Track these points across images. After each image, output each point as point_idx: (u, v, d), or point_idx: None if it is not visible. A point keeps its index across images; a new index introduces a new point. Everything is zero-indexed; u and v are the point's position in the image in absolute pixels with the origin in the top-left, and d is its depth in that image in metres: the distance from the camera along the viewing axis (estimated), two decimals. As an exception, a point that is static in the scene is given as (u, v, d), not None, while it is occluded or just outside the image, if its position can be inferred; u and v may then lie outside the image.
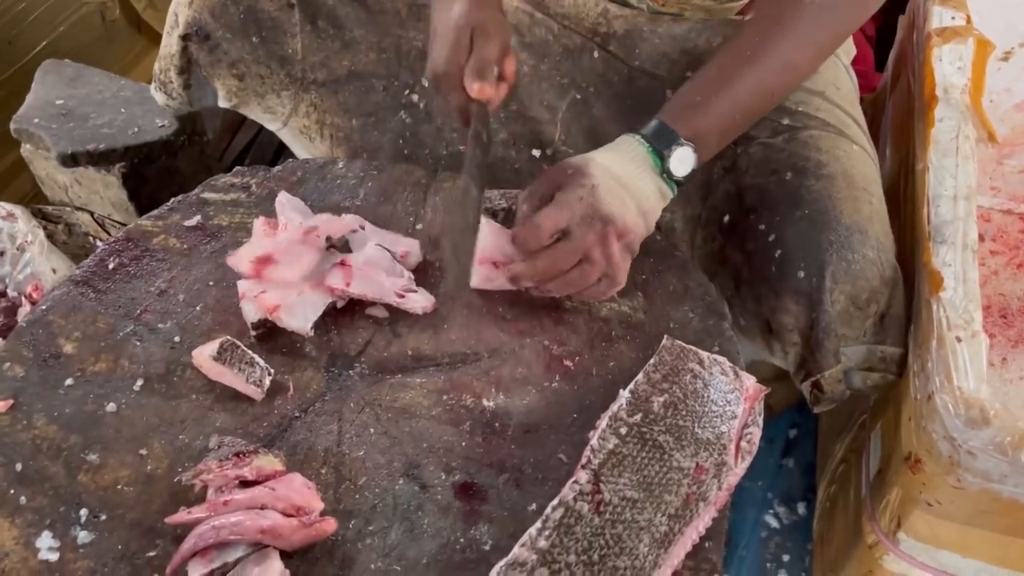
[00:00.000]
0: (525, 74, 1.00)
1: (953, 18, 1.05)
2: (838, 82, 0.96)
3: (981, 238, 1.41)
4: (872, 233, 0.84)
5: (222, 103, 1.07)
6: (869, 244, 0.83)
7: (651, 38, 0.98)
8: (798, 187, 0.87)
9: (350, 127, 1.04)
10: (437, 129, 1.03)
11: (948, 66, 0.99)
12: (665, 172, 0.79)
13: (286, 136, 1.11)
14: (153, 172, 1.20)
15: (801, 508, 1.21)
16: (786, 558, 1.16)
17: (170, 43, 1.04)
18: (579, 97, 1.00)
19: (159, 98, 1.11)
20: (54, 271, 1.20)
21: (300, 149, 1.11)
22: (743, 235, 0.90)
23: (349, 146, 1.05)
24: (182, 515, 0.67)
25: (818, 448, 1.23)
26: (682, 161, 0.79)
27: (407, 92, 1.03)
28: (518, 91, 1.00)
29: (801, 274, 0.84)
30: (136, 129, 1.19)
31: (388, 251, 0.83)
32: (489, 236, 0.82)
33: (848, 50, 1.06)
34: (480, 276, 0.82)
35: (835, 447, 1.08)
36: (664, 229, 0.96)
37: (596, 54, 0.99)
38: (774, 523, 1.19)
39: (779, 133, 0.91)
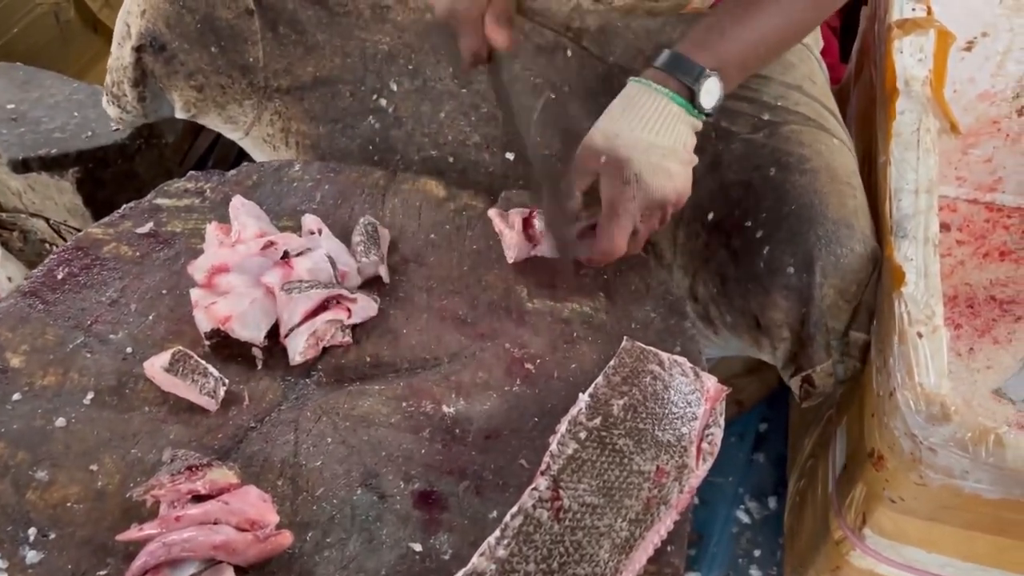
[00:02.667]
0: (482, 77, 0.98)
1: (914, 9, 1.05)
2: (813, 76, 0.96)
3: (947, 228, 1.41)
4: (858, 227, 0.84)
5: (179, 114, 1.04)
6: (856, 238, 0.83)
7: (625, 33, 0.96)
8: (782, 182, 0.87)
9: (317, 134, 1.02)
10: (407, 133, 1.01)
11: (909, 58, 0.99)
12: (696, 107, 0.78)
13: (248, 145, 1.08)
14: (109, 177, 1.18)
15: (772, 502, 1.21)
16: (757, 553, 1.16)
17: (122, 55, 1.01)
18: (554, 97, 0.99)
19: (112, 111, 1.08)
20: (9, 279, 1.17)
21: (263, 157, 1.09)
22: (728, 232, 0.89)
23: (316, 153, 1.03)
24: (133, 532, 0.65)
25: (788, 442, 1.23)
26: (710, 93, 0.78)
27: (375, 97, 1.01)
28: (489, 92, 0.98)
29: (791, 270, 0.83)
30: (90, 133, 1.16)
31: (332, 263, 0.81)
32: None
33: (818, 43, 1.05)
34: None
35: (804, 441, 1.08)
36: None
37: (569, 52, 0.98)
38: (745, 518, 1.19)
39: (760, 128, 0.91)
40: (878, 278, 0.85)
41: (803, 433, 1.11)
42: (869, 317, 0.85)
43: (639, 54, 0.96)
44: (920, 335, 0.74)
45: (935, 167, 0.89)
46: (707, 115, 0.79)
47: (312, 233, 0.85)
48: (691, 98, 0.77)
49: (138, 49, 0.99)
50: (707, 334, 0.96)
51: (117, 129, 1.17)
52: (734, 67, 0.79)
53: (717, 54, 0.78)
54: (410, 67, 0.98)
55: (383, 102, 1.01)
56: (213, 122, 1.05)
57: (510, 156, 1.00)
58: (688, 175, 0.79)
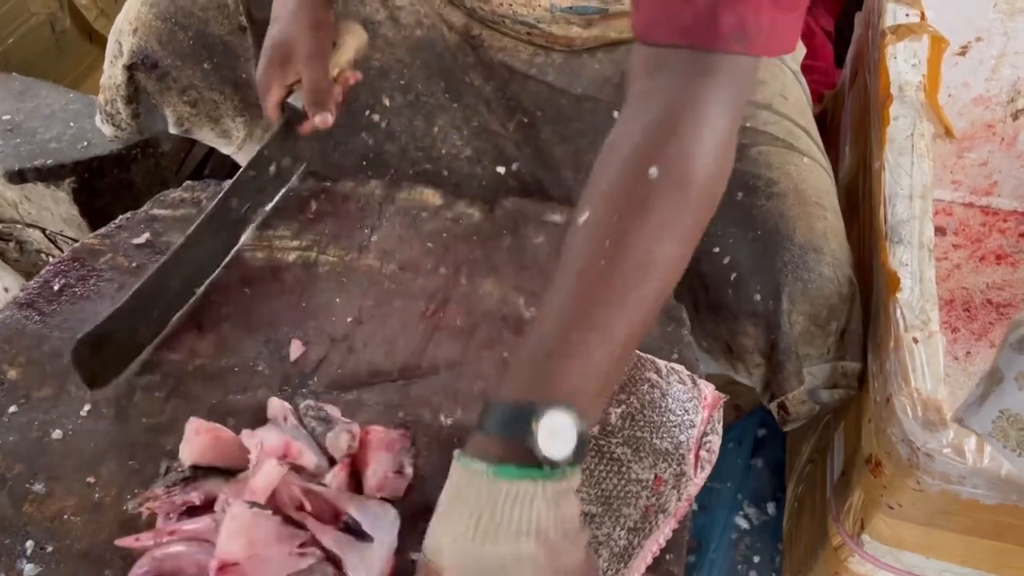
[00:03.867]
0: (482, 91, 0.98)
1: (907, 15, 1.05)
2: (786, 92, 0.95)
3: (943, 232, 1.42)
4: (827, 250, 0.83)
5: (172, 129, 1.04)
6: (825, 261, 0.82)
7: (590, 63, 0.95)
8: (749, 207, 0.86)
9: (310, 149, 1.02)
10: (401, 148, 1.01)
11: (903, 64, 0.99)
12: (546, 465, 0.52)
13: (241, 159, 1.08)
14: (105, 186, 1.18)
15: (771, 508, 1.21)
16: (756, 559, 1.16)
17: (115, 73, 1.01)
18: (526, 120, 0.98)
19: (107, 130, 1.08)
20: (6, 290, 1.17)
21: None
22: (698, 257, 0.88)
23: (309, 169, 1.03)
24: (130, 540, 0.66)
25: (787, 447, 1.23)
26: (556, 435, 0.52)
27: (367, 112, 1.01)
28: (479, 106, 0.98)
29: (757, 297, 0.83)
30: (86, 143, 1.16)
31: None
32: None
33: (796, 55, 1.04)
34: None
35: (802, 447, 1.08)
36: None
37: (537, 83, 0.98)
38: (744, 524, 1.19)
39: None
40: (865, 290, 0.85)
41: (801, 439, 1.11)
42: (860, 345, 0.84)
43: (606, 83, 0.95)
44: (916, 340, 0.74)
45: (929, 172, 0.89)
46: (568, 464, 0.53)
47: (276, 419, 0.73)
48: (529, 457, 0.52)
49: (130, 67, 0.99)
50: None
51: (113, 140, 1.17)
52: (589, 392, 0.55)
53: (552, 382, 0.54)
54: (402, 82, 0.98)
55: (376, 117, 1.01)
56: (206, 137, 1.05)
57: (500, 170, 1.00)
58: (564, 553, 0.53)
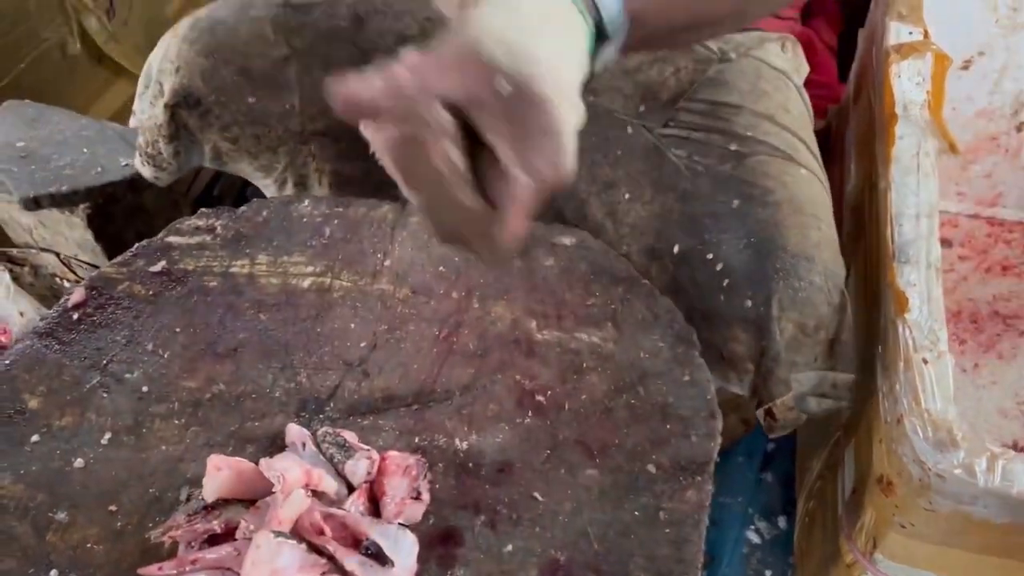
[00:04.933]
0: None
1: (911, 33, 1.06)
2: (788, 105, 0.97)
3: (949, 244, 1.43)
4: (819, 259, 0.85)
5: (208, 164, 1.03)
6: (816, 271, 0.84)
7: (603, 75, 0.97)
8: (745, 215, 0.88)
9: (352, 171, 1.02)
10: None
11: (907, 82, 1.00)
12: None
13: (273, 191, 1.06)
14: (118, 211, 1.19)
15: (782, 522, 1.21)
16: (768, 573, 1.17)
17: (155, 114, 1.00)
18: None
19: (147, 172, 1.06)
20: (21, 314, 1.18)
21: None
22: (692, 266, 0.90)
23: (350, 190, 1.02)
24: (152, 570, 0.67)
25: (796, 461, 1.24)
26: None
27: None
28: None
29: (748, 303, 0.84)
30: (99, 169, 1.17)
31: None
32: None
33: (799, 70, 1.06)
34: None
35: (812, 462, 1.08)
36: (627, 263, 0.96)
37: None
38: (755, 538, 1.20)
39: (727, 159, 0.92)
40: (872, 309, 0.86)
41: (811, 453, 1.11)
42: (851, 356, 0.85)
43: (617, 93, 0.97)
44: (925, 361, 0.75)
45: (935, 191, 0.90)
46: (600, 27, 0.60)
47: (294, 445, 0.75)
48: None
49: (173, 106, 0.99)
50: None
51: (126, 165, 1.19)
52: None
53: None
54: None
55: None
56: (244, 170, 1.04)
57: None
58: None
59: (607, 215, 0.96)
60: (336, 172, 1.02)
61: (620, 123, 0.96)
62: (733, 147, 0.92)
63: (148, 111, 1.02)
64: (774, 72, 0.98)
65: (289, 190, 1.05)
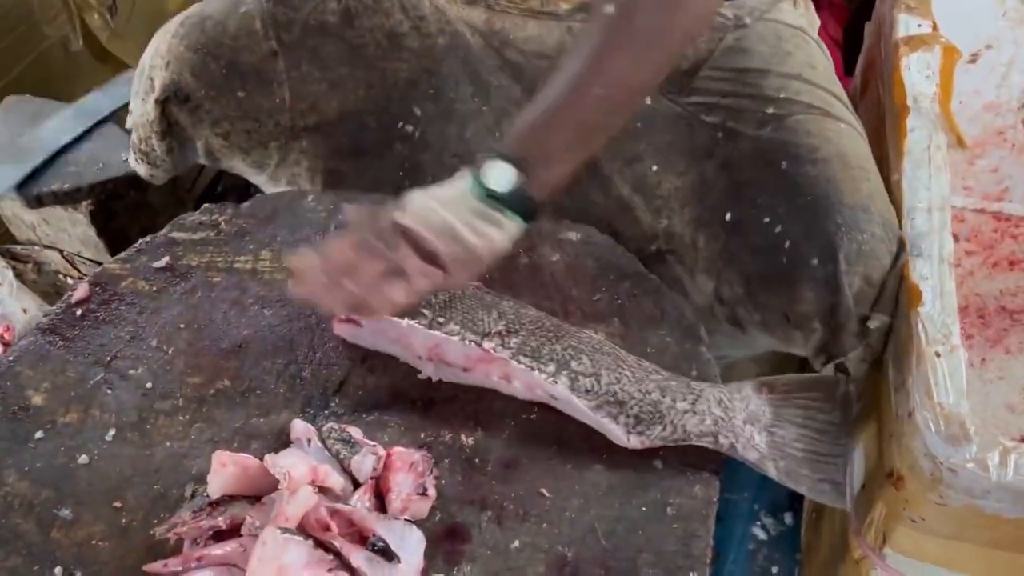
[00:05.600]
0: (509, 94, 0.99)
1: (919, 26, 1.06)
2: (813, 61, 0.96)
3: (956, 238, 1.41)
4: (875, 210, 0.85)
5: (202, 160, 1.04)
6: (875, 221, 0.84)
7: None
8: (795, 175, 0.87)
9: (344, 168, 1.02)
10: (436, 156, 1.01)
11: (917, 75, 0.99)
12: (489, 192, 0.72)
13: (268, 187, 1.06)
14: (122, 208, 1.19)
15: (788, 518, 1.20)
16: (775, 570, 1.16)
17: (146, 110, 1.01)
18: None
19: (142, 170, 1.07)
20: (24, 311, 1.18)
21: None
22: (747, 231, 0.89)
23: (345, 186, 1.02)
24: (158, 566, 0.66)
25: (803, 457, 1.23)
26: (499, 177, 0.73)
27: (400, 124, 1.01)
28: (509, 108, 0.98)
29: (815, 261, 0.84)
30: (101, 165, 1.17)
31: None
32: None
33: (812, 23, 1.05)
34: None
35: (819, 458, 1.07)
36: (663, 235, 0.96)
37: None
38: (761, 535, 1.19)
39: (766, 123, 0.91)
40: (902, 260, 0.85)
41: (818, 449, 1.11)
42: (892, 298, 0.85)
43: None
44: (938, 355, 0.74)
45: (947, 185, 0.89)
46: (510, 206, 0.73)
47: (300, 441, 0.75)
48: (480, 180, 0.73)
49: (163, 102, 0.99)
50: (734, 335, 0.96)
51: (127, 161, 1.18)
52: (540, 157, 0.74)
53: (519, 143, 0.75)
54: (431, 91, 0.99)
55: (409, 128, 1.01)
56: (237, 167, 1.04)
57: None
58: (445, 243, 0.71)
59: (634, 190, 0.95)
60: (328, 170, 1.02)
61: None
62: (770, 110, 0.91)
63: (140, 108, 1.02)
64: (792, 30, 0.97)
65: (282, 188, 1.05)
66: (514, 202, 0.73)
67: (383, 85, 1.00)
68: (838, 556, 0.91)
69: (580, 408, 0.75)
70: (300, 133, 1.01)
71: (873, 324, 0.85)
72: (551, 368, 0.76)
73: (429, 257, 0.71)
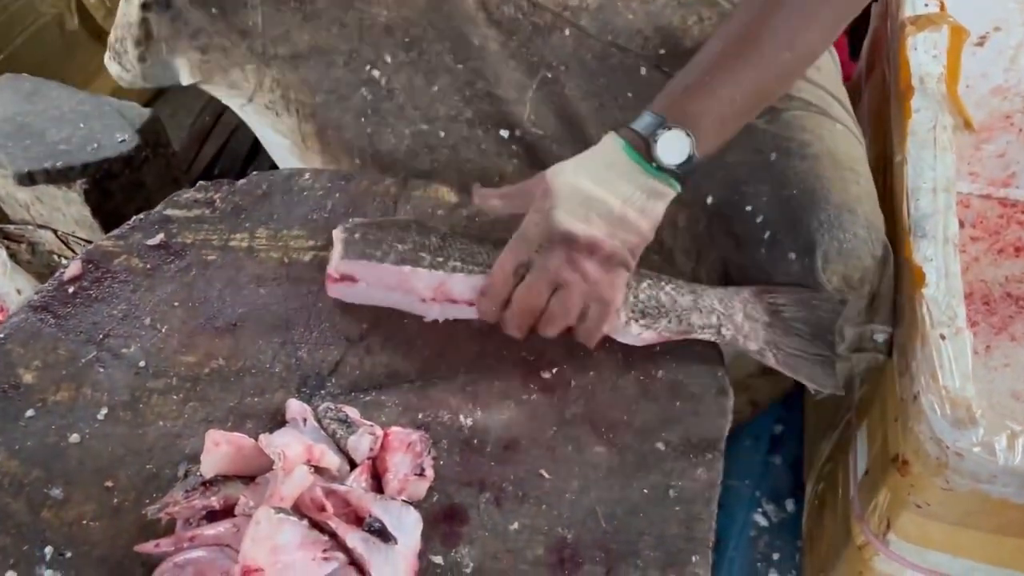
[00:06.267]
0: (493, 51, 0.98)
1: (927, 5, 1.04)
2: (818, 62, 0.95)
3: (961, 224, 1.40)
4: (861, 212, 0.83)
5: (185, 80, 1.02)
6: (859, 223, 0.82)
7: (624, 12, 0.95)
8: (784, 168, 0.86)
9: (313, 104, 1.01)
10: (399, 107, 1.00)
11: (923, 55, 0.98)
12: (655, 164, 0.72)
13: (250, 113, 1.06)
14: (116, 187, 1.17)
15: (790, 505, 1.20)
16: (776, 556, 1.15)
17: (129, 11, 1.00)
18: (550, 76, 0.98)
19: (113, 68, 1.07)
20: (18, 291, 1.16)
21: (266, 128, 1.06)
22: (729, 217, 0.88)
23: (315, 122, 1.02)
24: (149, 546, 0.65)
25: (805, 444, 1.22)
26: (671, 147, 0.72)
27: (368, 68, 0.99)
28: (485, 69, 0.97)
29: (792, 255, 0.83)
30: (96, 145, 1.15)
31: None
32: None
33: None
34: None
35: (821, 445, 1.06)
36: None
37: (567, 31, 0.97)
38: (763, 521, 1.18)
39: (761, 114, 0.90)
40: (893, 269, 0.84)
41: (820, 436, 1.10)
42: (890, 310, 0.83)
43: (637, 34, 0.95)
44: (943, 337, 0.73)
45: (952, 166, 0.88)
46: (676, 176, 0.73)
47: (295, 421, 0.74)
48: (648, 153, 0.72)
49: (144, 7, 0.98)
50: None
51: (123, 140, 1.16)
52: (709, 124, 0.73)
53: (686, 109, 0.73)
54: (406, 39, 0.98)
55: (376, 73, 1.00)
56: (218, 88, 1.04)
57: (504, 134, 0.99)
58: (613, 231, 0.72)
59: None
60: (300, 101, 1.01)
61: (632, 65, 0.94)
62: None
63: (124, 8, 1.01)
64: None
65: (263, 114, 1.04)
66: (682, 172, 0.73)
67: (358, 26, 0.98)
68: (840, 543, 0.90)
69: None
70: (271, 61, 1.00)
71: (879, 337, 0.84)
72: None
73: (591, 249, 0.72)
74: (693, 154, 0.72)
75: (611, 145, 0.75)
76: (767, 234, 0.85)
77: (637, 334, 0.78)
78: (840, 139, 0.89)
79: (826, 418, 1.07)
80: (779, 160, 0.87)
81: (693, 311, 0.79)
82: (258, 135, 1.10)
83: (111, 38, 1.06)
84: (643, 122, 0.74)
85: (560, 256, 0.72)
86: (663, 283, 0.80)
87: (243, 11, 0.98)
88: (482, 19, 0.97)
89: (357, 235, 0.81)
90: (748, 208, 0.87)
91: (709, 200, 0.90)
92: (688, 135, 0.72)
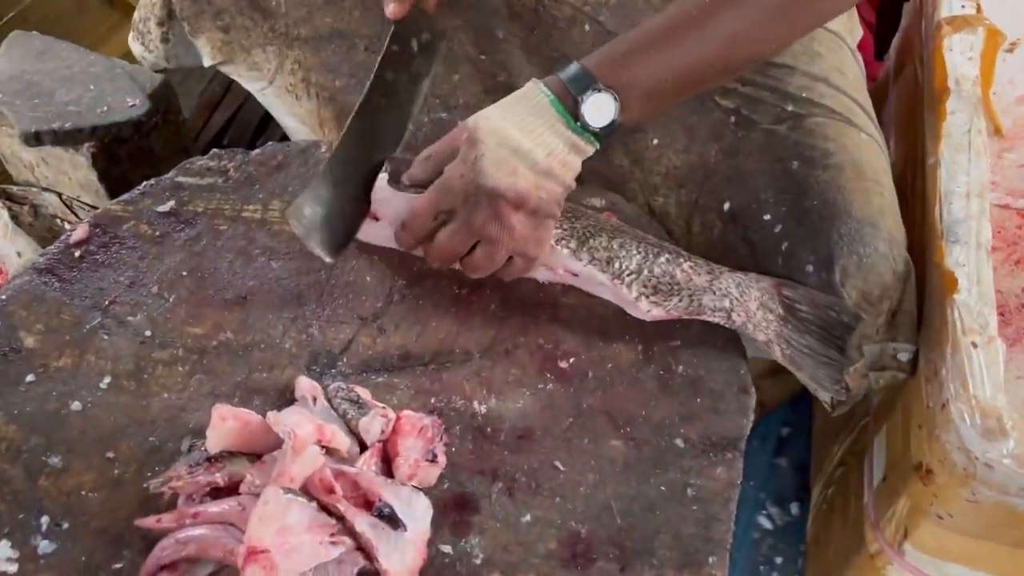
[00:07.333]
0: (515, 44, 0.95)
1: (963, 6, 1.01)
2: (843, 67, 0.92)
3: (978, 233, 1.38)
4: (884, 226, 0.81)
5: (207, 61, 1.01)
6: (881, 237, 0.80)
7: (645, 9, 0.93)
8: (805, 177, 0.83)
9: (334, 87, 0.99)
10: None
11: (959, 56, 0.95)
12: (580, 122, 0.71)
13: (270, 96, 1.05)
14: (124, 152, 1.14)
15: (794, 508, 1.18)
16: (779, 560, 1.13)
17: None
18: None
19: (135, 48, 1.07)
20: (19, 254, 1.14)
21: (285, 111, 1.05)
22: (746, 224, 0.86)
23: (334, 106, 1.00)
24: (151, 521, 0.63)
25: (812, 447, 1.20)
26: (599, 109, 0.71)
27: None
28: (508, 62, 0.95)
29: (810, 268, 0.80)
30: (105, 108, 1.12)
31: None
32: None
33: (854, 32, 1.01)
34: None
35: (832, 448, 1.05)
36: (658, 214, 0.92)
37: (587, 27, 0.95)
38: (767, 524, 1.16)
39: (783, 120, 0.87)
40: (915, 283, 0.82)
41: (830, 440, 1.08)
42: (913, 327, 0.81)
43: None
44: (975, 345, 0.71)
45: (987, 170, 0.86)
46: (596, 136, 0.72)
47: (304, 399, 0.71)
48: (574, 110, 0.71)
49: None
50: None
51: (133, 105, 1.13)
52: (637, 93, 0.72)
53: (618, 74, 0.72)
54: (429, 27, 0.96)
55: None
56: (239, 69, 1.02)
57: None
58: (540, 184, 0.71)
59: (634, 162, 0.92)
60: (320, 84, 1.00)
61: None
62: (789, 107, 0.87)
63: None
64: (828, 34, 0.93)
65: (282, 98, 1.03)
66: (603, 134, 0.72)
67: (381, 11, 0.96)
68: (851, 550, 0.88)
69: (600, 280, 0.77)
70: (293, 42, 0.99)
71: (903, 356, 0.81)
72: (572, 244, 0.76)
73: (518, 203, 0.71)
74: (616, 119, 0.71)
75: (537, 95, 0.72)
76: (784, 244, 0.83)
77: (646, 311, 0.77)
78: (864, 149, 0.87)
79: (837, 422, 1.06)
80: (800, 168, 0.85)
81: (707, 292, 0.77)
82: (277, 119, 1.08)
83: (135, 17, 1.05)
84: (572, 75, 0.72)
85: (487, 212, 0.71)
86: (682, 259, 0.79)
87: None
88: (505, 12, 0.95)
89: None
90: (766, 217, 0.85)
91: (726, 206, 0.88)
92: (615, 100, 0.71)
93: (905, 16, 1.20)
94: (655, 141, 0.91)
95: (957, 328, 0.73)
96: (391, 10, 0.80)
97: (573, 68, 0.72)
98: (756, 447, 1.24)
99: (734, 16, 0.72)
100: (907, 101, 1.07)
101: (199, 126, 1.43)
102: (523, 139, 0.70)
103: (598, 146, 0.73)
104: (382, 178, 0.78)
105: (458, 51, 0.97)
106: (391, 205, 0.77)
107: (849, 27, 1.00)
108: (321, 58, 0.99)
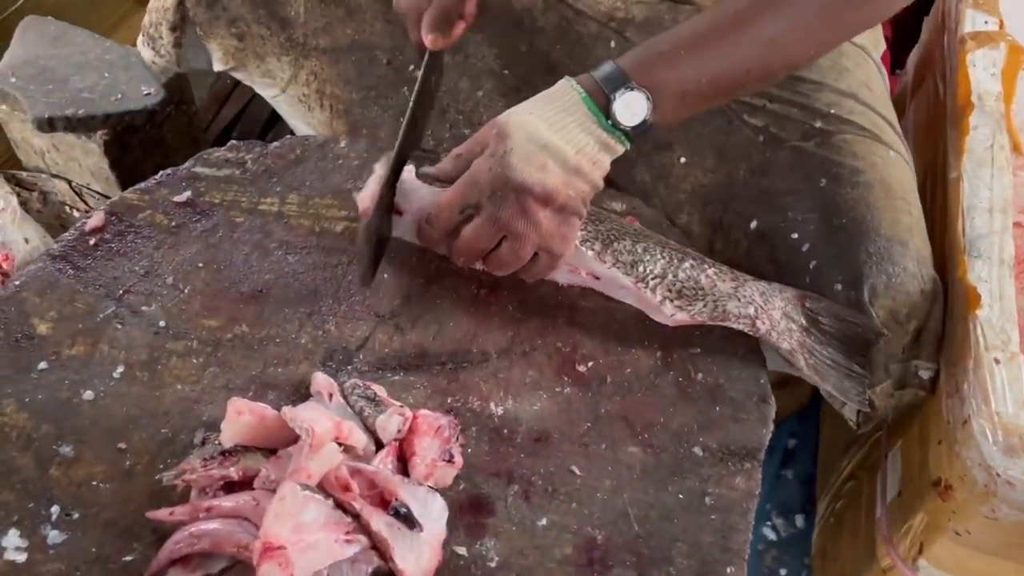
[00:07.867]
0: (538, 61, 0.95)
1: (986, 22, 1.01)
2: (870, 82, 0.92)
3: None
4: (912, 245, 0.80)
5: (217, 66, 1.00)
6: (909, 256, 0.79)
7: (671, 27, 0.92)
8: (833, 195, 0.83)
9: (350, 99, 0.99)
10: (441, 109, 0.97)
11: (982, 72, 0.95)
12: (611, 120, 0.70)
13: (282, 105, 1.04)
14: (137, 141, 1.13)
15: (800, 520, 1.17)
16: (783, 572, 1.12)
17: None
18: None
19: (146, 54, 1.05)
20: (27, 241, 1.12)
21: (296, 120, 1.05)
22: (774, 243, 0.85)
23: (348, 119, 1.00)
24: (163, 513, 0.62)
25: (819, 460, 1.19)
26: (630, 108, 0.70)
27: (412, 68, 0.97)
28: (532, 76, 0.95)
29: (838, 287, 0.79)
30: (119, 96, 1.11)
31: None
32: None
33: (878, 46, 1.01)
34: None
35: (841, 462, 1.04)
36: (681, 231, 0.92)
37: (613, 43, 0.94)
38: (771, 535, 1.16)
39: (811, 137, 0.87)
40: (942, 303, 0.81)
41: (839, 453, 1.07)
42: (936, 346, 0.80)
43: None
44: (997, 361, 0.71)
45: (1010, 186, 0.85)
46: (627, 135, 0.71)
47: (320, 395, 0.70)
48: (606, 108, 0.70)
49: None
50: None
51: (148, 94, 1.12)
52: (670, 94, 0.71)
53: (652, 74, 0.71)
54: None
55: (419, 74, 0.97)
56: (251, 76, 1.02)
57: None
58: (569, 181, 0.70)
59: (657, 178, 0.91)
60: (336, 96, 0.99)
61: None
62: (817, 124, 0.87)
63: None
64: (854, 48, 0.93)
65: (295, 107, 1.02)
66: (634, 134, 0.71)
67: (403, 25, 0.95)
68: (862, 564, 0.88)
69: (624, 283, 0.77)
70: (311, 53, 0.98)
71: (924, 374, 0.81)
72: (597, 246, 0.76)
73: (546, 200, 0.70)
74: (648, 119, 0.71)
75: (569, 92, 0.72)
76: (812, 263, 0.82)
77: (670, 315, 0.76)
78: (893, 167, 0.86)
79: (847, 435, 1.05)
80: (829, 186, 0.84)
81: (731, 298, 0.77)
82: (287, 122, 1.08)
83: (145, 22, 1.04)
84: (605, 74, 0.71)
85: (514, 206, 0.70)
86: (706, 265, 0.78)
87: (286, 0, 0.96)
88: (529, 28, 0.95)
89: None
90: (794, 235, 0.84)
91: (753, 224, 0.87)
92: (648, 99, 0.70)
93: (925, 31, 1.19)
94: (682, 160, 0.90)
95: (980, 344, 0.72)
96: (431, 41, 0.79)
97: (606, 67, 0.71)
98: (763, 458, 1.23)
99: (780, 17, 0.71)
100: (927, 115, 1.07)
101: (209, 118, 1.42)
102: (553, 135, 0.69)
103: (628, 146, 0.72)
104: (409, 170, 0.77)
105: (481, 66, 0.96)
106: (417, 198, 0.76)
107: (874, 40, 0.99)
108: (339, 70, 0.98)
